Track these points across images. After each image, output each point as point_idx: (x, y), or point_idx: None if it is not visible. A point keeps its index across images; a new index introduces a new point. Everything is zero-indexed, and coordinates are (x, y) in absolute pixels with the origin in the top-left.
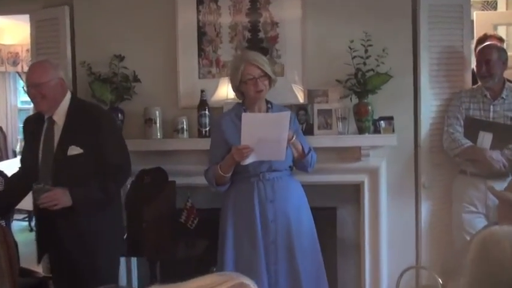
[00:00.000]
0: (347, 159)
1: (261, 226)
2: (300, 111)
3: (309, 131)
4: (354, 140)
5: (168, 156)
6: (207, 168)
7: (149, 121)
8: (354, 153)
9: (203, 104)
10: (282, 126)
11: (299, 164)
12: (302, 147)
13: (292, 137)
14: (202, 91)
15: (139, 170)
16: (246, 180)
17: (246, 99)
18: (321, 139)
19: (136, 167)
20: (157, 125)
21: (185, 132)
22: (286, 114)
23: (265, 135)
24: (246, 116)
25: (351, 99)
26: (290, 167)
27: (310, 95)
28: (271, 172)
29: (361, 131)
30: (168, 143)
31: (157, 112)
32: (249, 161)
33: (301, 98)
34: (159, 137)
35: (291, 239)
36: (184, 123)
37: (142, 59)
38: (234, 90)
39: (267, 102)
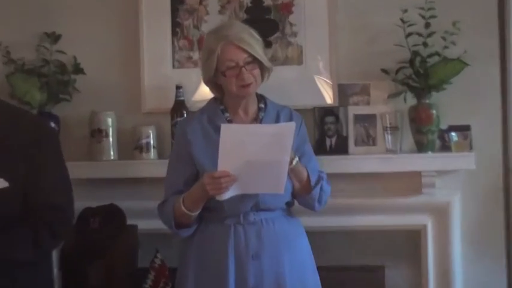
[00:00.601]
0: (400, 192)
1: None
2: (326, 118)
3: (341, 147)
4: (410, 162)
5: (127, 188)
6: (162, 200)
7: (98, 133)
8: (410, 183)
9: (180, 106)
10: (283, 143)
11: (300, 198)
12: (307, 174)
13: (293, 159)
14: (178, 87)
15: (82, 209)
16: (219, 222)
17: (226, 95)
18: (360, 161)
19: (79, 204)
20: (110, 139)
21: (152, 150)
22: (290, 127)
23: (256, 156)
24: (226, 129)
25: (405, 98)
26: (288, 203)
27: (342, 92)
28: (259, 212)
29: (421, 147)
30: (126, 167)
31: (109, 120)
32: (229, 194)
33: (328, 97)
34: (112, 157)
35: None
36: (151, 136)
37: (88, 39)
38: (206, 83)
39: (259, 99)
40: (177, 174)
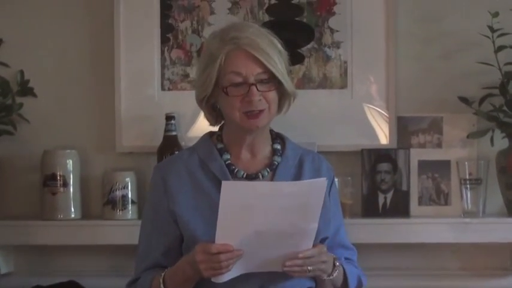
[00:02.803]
0: (483, 271)
1: None
2: (379, 165)
3: (399, 207)
4: (497, 230)
5: (93, 259)
6: (131, 279)
7: (52, 181)
8: (497, 259)
9: (171, 144)
10: (310, 207)
11: None
12: (344, 270)
13: (335, 268)
14: (169, 117)
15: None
16: None
17: (226, 126)
18: (426, 227)
19: (24, 280)
20: (71, 189)
21: (130, 206)
22: (320, 184)
23: (269, 225)
24: (229, 188)
25: (492, 139)
26: None
27: (403, 128)
28: None
29: None
30: (92, 229)
31: (69, 162)
32: (230, 275)
33: (383, 135)
34: (72, 215)
35: None
36: (129, 186)
37: (40, 47)
38: (200, 104)
39: (274, 137)
40: (153, 241)
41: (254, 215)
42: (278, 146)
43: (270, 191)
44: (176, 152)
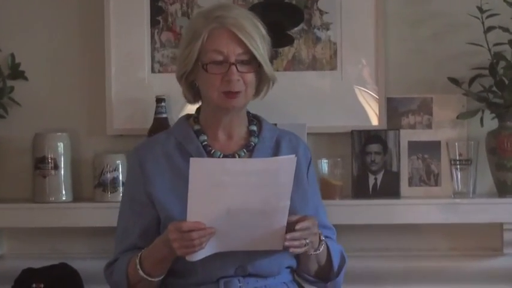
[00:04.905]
0: (473, 252)
1: None
2: (369, 146)
3: (389, 188)
4: (487, 210)
5: (84, 241)
6: (110, 260)
7: (43, 164)
8: (487, 239)
9: (161, 126)
10: (281, 185)
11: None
12: (328, 247)
13: (320, 243)
14: (159, 99)
15: (21, 270)
16: None
17: (203, 106)
18: (416, 208)
19: (16, 262)
20: (61, 172)
21: (120, 188)
22: (289, 161)
23: (241, 203)
24: (197, 164)
25: (481, 120)
26: (290, 268)
27: (392, 109)
28: (247, 278)
29: (503, 190)
30: (83, 212)
31: (60, 145)
32: (204, 253)
33: (374, 115)
34: (63, 198)
35: None
36: (120, 168)
37: (31, 30)
38: (179, 80)
39: (251, 119)
40: (130, 223)
41: (224, 192)
42: (254, 128)
43: (239, 167)
44: None
